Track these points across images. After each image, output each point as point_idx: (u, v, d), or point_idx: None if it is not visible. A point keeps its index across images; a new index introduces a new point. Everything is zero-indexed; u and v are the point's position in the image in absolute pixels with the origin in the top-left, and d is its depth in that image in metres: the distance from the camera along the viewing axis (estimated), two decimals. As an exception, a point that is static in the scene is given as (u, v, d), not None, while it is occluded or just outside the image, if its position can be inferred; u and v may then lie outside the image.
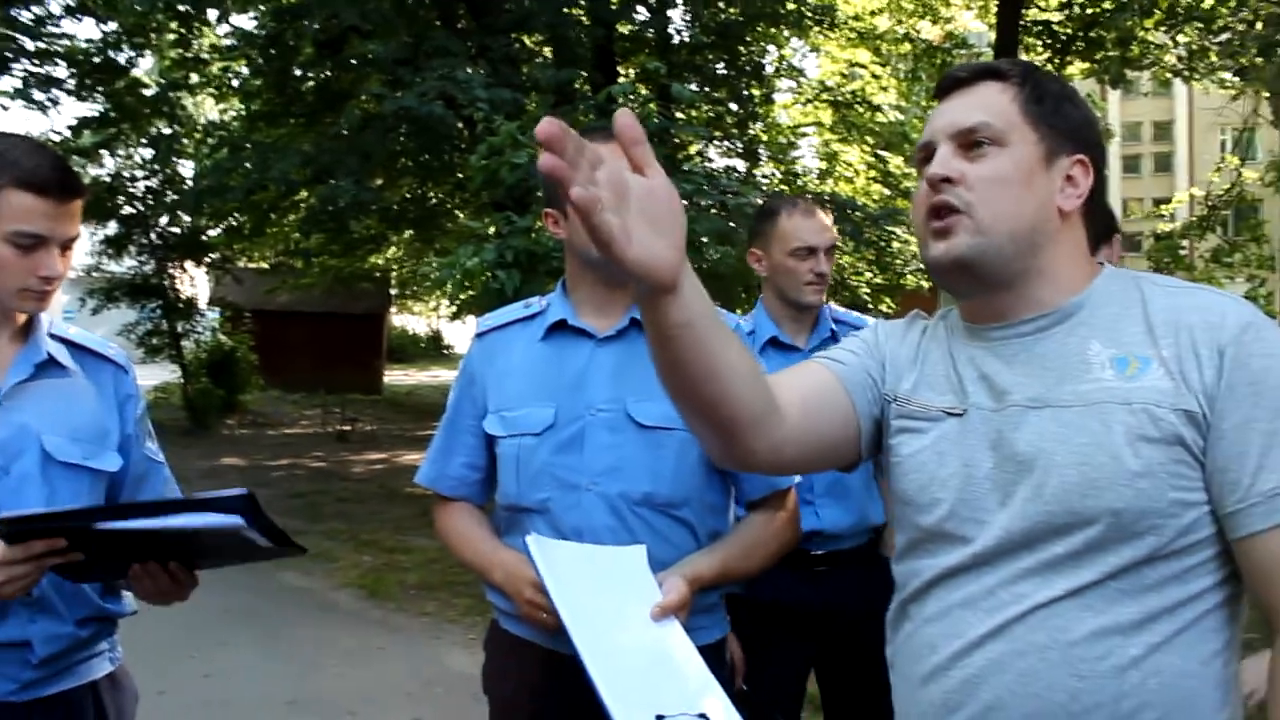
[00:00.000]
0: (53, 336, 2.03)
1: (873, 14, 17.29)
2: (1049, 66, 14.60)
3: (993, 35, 13.86)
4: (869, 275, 16.63)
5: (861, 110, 18.12)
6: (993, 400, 1.40)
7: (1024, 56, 14.96)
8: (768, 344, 2.97)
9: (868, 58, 17.92)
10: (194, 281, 18.90)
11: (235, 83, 16.38)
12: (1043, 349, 1.39)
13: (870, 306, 19.34)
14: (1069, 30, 14.31)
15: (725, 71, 15.40)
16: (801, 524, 2.31)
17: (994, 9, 14.03)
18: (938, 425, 1.44)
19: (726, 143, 17.71)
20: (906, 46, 17.37)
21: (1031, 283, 1.40)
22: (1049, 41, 14.48)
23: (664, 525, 2.09)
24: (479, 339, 2.29)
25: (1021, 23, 13.54)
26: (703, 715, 1.72)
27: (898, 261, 16.36)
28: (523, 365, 2.17)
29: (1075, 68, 14.93)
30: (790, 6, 14.71)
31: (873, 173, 18.81)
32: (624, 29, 14.30)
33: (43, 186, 1.87)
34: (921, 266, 18.75)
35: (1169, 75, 16.09)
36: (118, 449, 2.06)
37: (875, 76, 18.25)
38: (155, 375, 19.07)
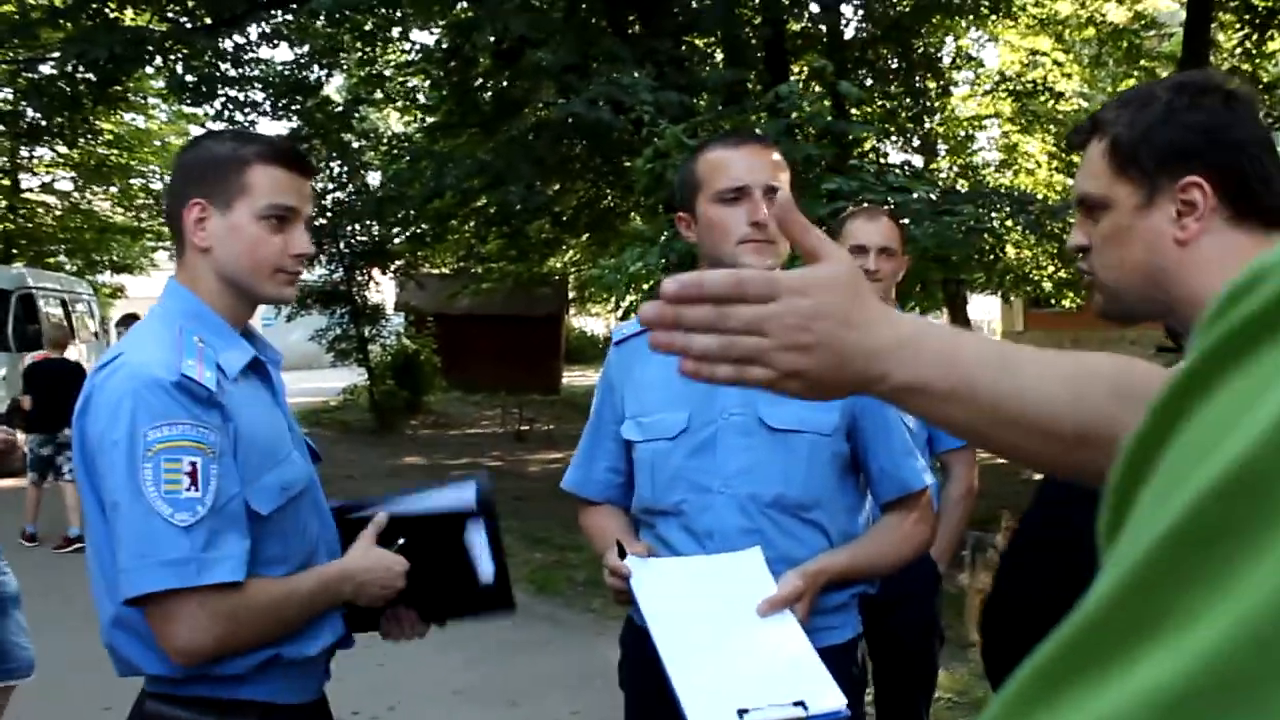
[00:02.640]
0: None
1: (1054, -1, 16.73)
2: (1246, 45, 13.77)
3: (1184, 14, 13.17)
4: (1050, 269, 16.03)
5: (1044, 99, 17.51)
6: None
7: (1219, 36, 14.14)
8: None
9: (1049, 44, 17.28)
10: (380, 288, 19.64)
11: (419, 96, 17.02)
12: None
13: (1054, 301, 18.66)
14: (1269, 4, 13.42)
15: (898, 65, 15.12)
16: None
17: (1185, -14, 13.31)
18: None
19: (901, 138, 17.40)
20: (1091, 31, 16.68)
21: (1182, 310, 1.36)
22: (1246, 18, 13.59)
23: (794, 527, 2.10)
24: (616, 347, 2.34)
25: (1216, -2, 12.80)
26: (799, 703, 1.73)
27: (1082, 255, 15.67)
28: (658, 372, 2.18)
29: (1277, 43, 14.01)
30: (965, -5, 14.33)
31: (1055, 163, 18.14)
32: (795, 26, 14.20)
33: (290, 160, 1.88)
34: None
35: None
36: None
37: (1058, 64, 17.58)
38: (343, 378, 19.94)
